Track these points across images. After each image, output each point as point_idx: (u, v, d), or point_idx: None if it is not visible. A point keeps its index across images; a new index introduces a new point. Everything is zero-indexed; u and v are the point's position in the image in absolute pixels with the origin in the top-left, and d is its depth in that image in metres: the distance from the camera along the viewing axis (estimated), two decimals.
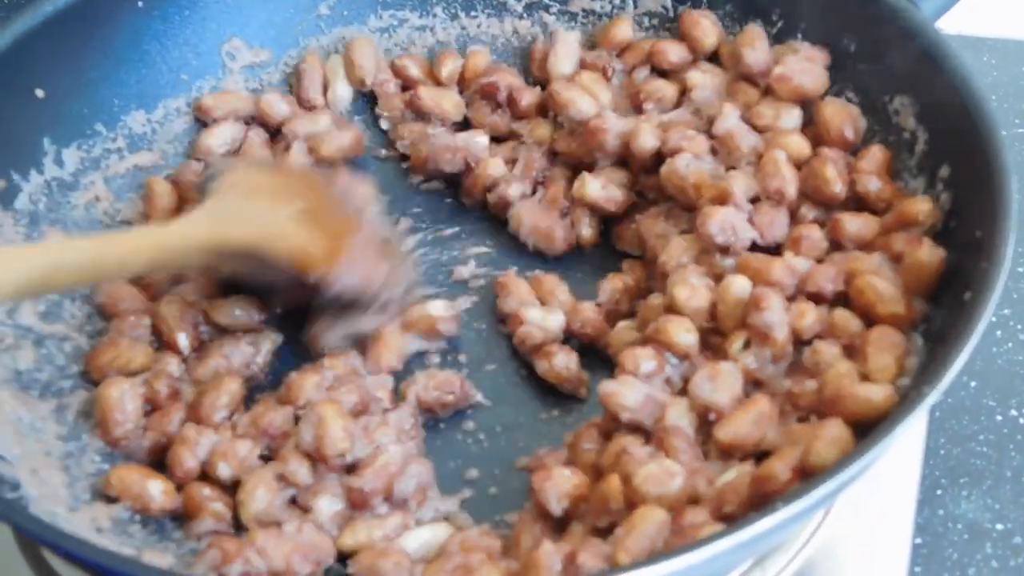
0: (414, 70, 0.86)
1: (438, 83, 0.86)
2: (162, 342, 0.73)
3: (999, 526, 0.72)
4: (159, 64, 0.83)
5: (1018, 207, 0.63)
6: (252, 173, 0.76)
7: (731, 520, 0.58)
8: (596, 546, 0.59)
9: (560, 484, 0.63)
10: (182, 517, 0.66)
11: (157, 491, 0.65)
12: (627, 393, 0.65)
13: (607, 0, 0.86)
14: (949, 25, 0.77)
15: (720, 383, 0.64)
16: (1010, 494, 0.73)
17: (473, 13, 0.88)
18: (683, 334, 0.67)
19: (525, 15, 0.88)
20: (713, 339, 0.68)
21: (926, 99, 0.72)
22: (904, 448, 0.74)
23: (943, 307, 0.65)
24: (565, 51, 0.84)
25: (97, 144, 0.80)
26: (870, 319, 0.66)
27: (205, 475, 0.67)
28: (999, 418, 0.77)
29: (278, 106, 0.84)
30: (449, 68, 0.86)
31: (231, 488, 0.66)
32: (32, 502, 0.62)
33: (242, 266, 0.71)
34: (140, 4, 0.81)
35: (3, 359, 0.69)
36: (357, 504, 0.65)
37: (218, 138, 0.83)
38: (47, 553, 0.67)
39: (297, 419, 0.68)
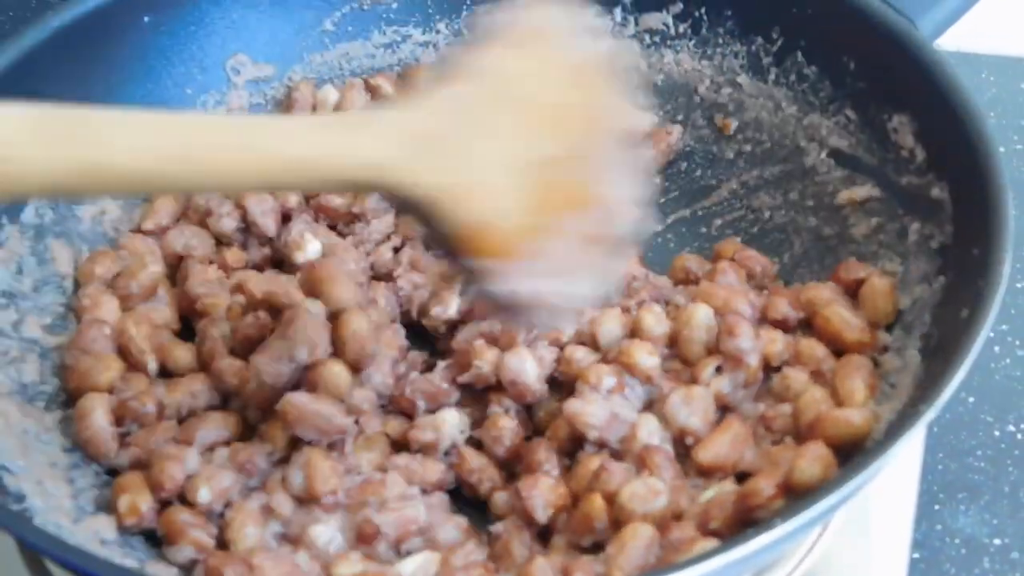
0: (387, 87, 0.86)
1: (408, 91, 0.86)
2: (128, 362, 0.71)
3: (996, 541, 0.72)
4: (164, 79, 0.83)
5: (1016, 224, 0.63)
6: (522, 63, 0.52)
7: (718, 536, 0.59)
8: (588, 564, 0.60)
9: (545, 492, 0.64)
10: (160, 540, 0.65)
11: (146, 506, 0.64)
12: (593, 411, 0.66)
13: (608, 18, 0.86)
14: (947, 42, 0.78)
15: (695, 407, 0.66)
16: (1008, 509, 0.73)
17: None
18: (646, 357, 0.68)
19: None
20: (672, 364, 0.70)
21: (924, 117, 0.73)
22: (902, 463, 0.74)
23: (941, 323, 0.65)
24: None
25: None
26: (836, 346, 0.68)
27: (182, 498, 0.65)
28: (997, 433, 0.77)
29: None
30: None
31: (211, 516, 0.65)
32: (37, 514, 0.62)
33: (403, 209, 0.56)
34: (146, 19, 0.82)
35: (8, 371, 0.69)
36: (365, 539, 0.63)
37: None
38: (51, 565, 0.67)
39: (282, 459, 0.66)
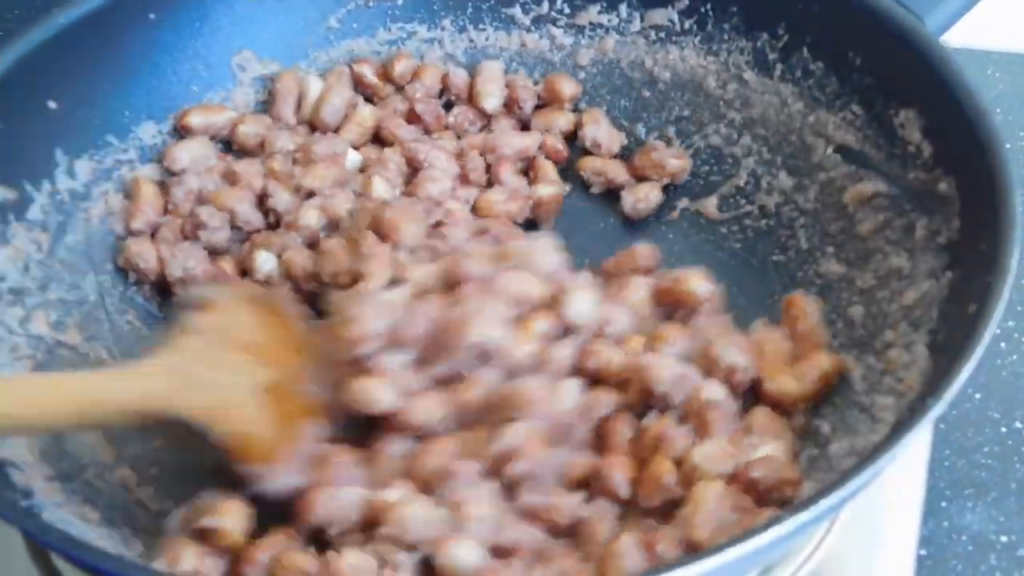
0: (370, 76, 0.87)
1: (391, 82, 0.86)
2: None
3: (1004, 538, 0.72)
4: (170, 76, 0.84)
5: (1023, 220, 0.64)
6: (231, 318, 0.68)
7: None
8: (667, 531, 0.61)
9: (623, 468, 0.65)
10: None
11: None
12: (663, 365, 0.67)
13: (614, 14, 0.87)
14: (954, 38, 0.78)
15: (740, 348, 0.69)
16: (1015, 506, 0.73)
17: (481, 26, 0.89)
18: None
19: (533, 28, 0.89)
20: None
21: (931, 112, 0.72)
22: (909, 460, 0.74)
23: (949, 319, 0.65)
24: (491, 80, 0.86)
25: (108, 155, 0.81)
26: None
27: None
28: (1003, 430, 0.77)
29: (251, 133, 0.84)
30: (402, 67, 0.87)
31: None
32: (45, 510, 0.62)
33: (176, 432, 0.64)
34: (152, 17, 0.82)
35: (16, 368, 0.70)
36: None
37: (187, 152, 0.82)
38: (58, 561, 0.68)
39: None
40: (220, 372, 0.65)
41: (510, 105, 0.86)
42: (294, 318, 0.70)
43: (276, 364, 0.67)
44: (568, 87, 0.86)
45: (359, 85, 0.87)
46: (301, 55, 0.88)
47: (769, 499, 0.63)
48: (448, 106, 0.87)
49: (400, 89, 0.87)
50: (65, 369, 0.72)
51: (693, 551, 0.60)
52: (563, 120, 0.86)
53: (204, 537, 0.63)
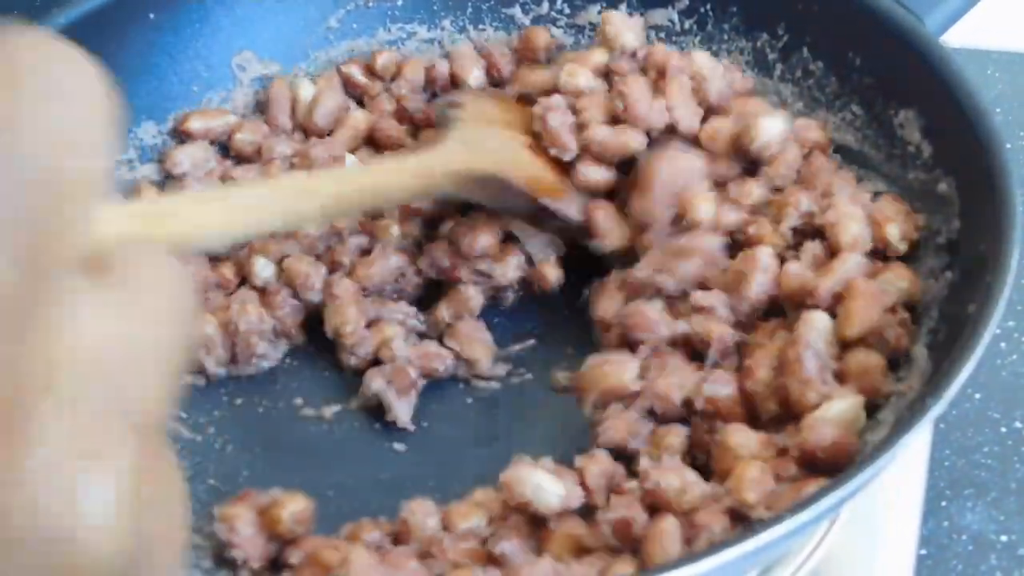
0: (358, 75, 0.87)
1: (374, 76, 0.87)
2: None
3: (1004, 538, 0.72)
4: (170, 76, 0.84)
5: (1023, 220, 0.63)
6: (483, 104, 0.80)
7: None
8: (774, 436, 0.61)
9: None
10: None
11: None
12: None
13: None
14: (954, 38, 0.78)
15: None
16: (1015, 506, 0.73)
17: (481, 26, 0.89)
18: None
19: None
20: None
21: (931, 112, 0.72)
22: (909, 459, 0.74)
23: (948, 319, 0.65)
24: (467, 58, 0.86)
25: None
26: None
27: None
28: (1003, 430, 0.77)
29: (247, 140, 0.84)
30: (384, 60, 0.87)
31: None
32: None
33: (486, 193, 0.74)
34: (151, 17, 0.82)
35: None
36: None
37: (187, 155, 0.82)
38: None
39: None
40: (494, 139, 0.76)
41: (490, 71, 0.86)
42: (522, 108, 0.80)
43: (526, 131, 0.77)
44: (542, 38, 0.86)
45: (349, 86, 0.87)
46: (301, 56, 0.88)
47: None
48: (435, 96, 0.87)
49: (388, 87, 0.87)
50: None
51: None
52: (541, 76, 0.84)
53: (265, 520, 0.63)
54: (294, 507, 0.63)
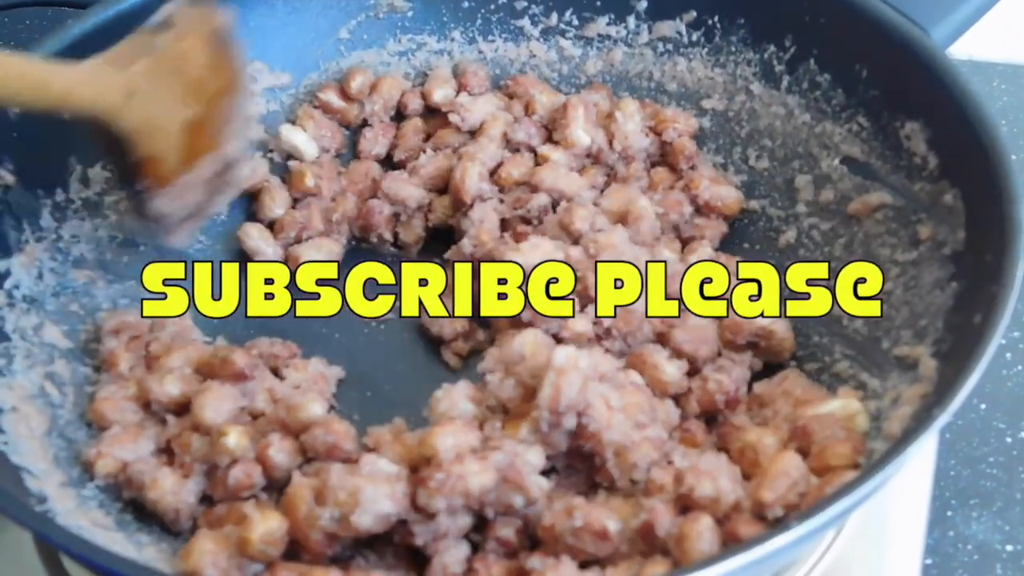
0: (335, 100, 0.87)
1: (348, 98, 0.87)
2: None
3: (1009, 547, 0.72)
4: None
5: None
6: (187, 46, 0.71)
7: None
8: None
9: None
10: None
11: None
12: None
13: (622, 26, 0.87)
14: (959, 50, 0.78)
15: None
16: (1020, 516, 0.74)
17: (491, 37, 0.89)
18: None
19: (542, 39, 0.89)
20: None
21: (937, 124, 0.73)
22: (915, 469, 0.74)
23: (954, 329, 0.65)
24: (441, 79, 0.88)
25: None
26: None
27: None
28: (1009, 440, 0.77)
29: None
30: (358, 82, 0.87)
31: None
32: (59, 515, 0.62)
33: (101, 138, 0.69)
34: None
35: (29, 375, 0.70)
36: None
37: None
38: (69, 566, 0.68)
39: None
40: (162, 96, 0.69)
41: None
42: (238, 57, 0.74)
43: (207, 103, 0.72)
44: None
45: (327, 112, 0.87)
46: (312, 67, 0.88)
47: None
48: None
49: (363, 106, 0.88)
50: (78, 383, 0.73)
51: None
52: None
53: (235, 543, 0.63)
54: (264, 528, 0.62)
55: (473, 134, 0.85)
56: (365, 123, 0.88)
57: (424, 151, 0.85)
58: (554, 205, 0.79)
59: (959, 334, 0.64)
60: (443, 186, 0.83)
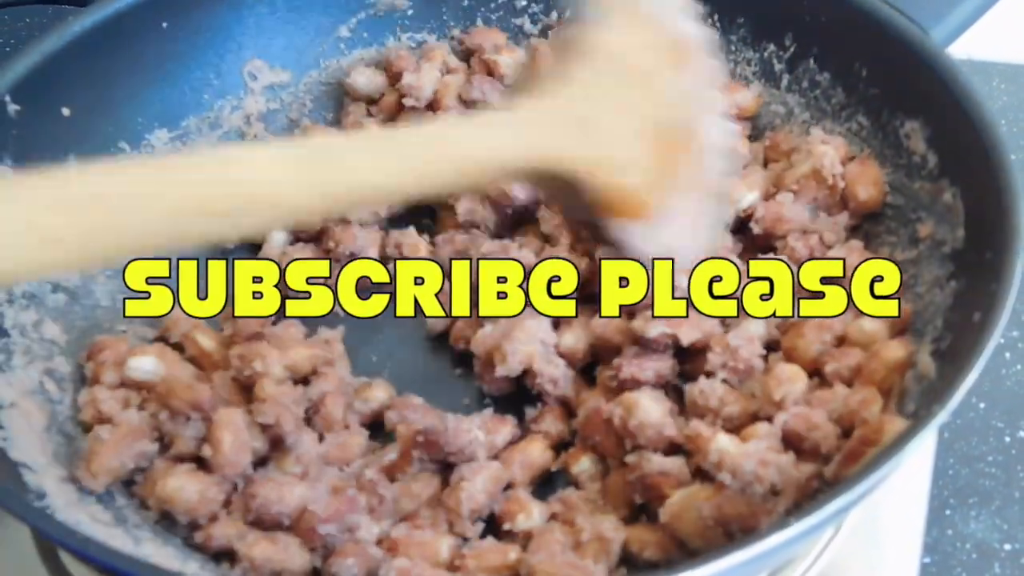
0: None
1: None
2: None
3: (1007, 546, 0.72)
4: (182, 84, 0.84)
5: None
6: (632, 40, 0.56)
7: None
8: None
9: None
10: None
11: None
12: None
13: None
14: (959, 50, 0.78)
15: None
16: (1018, 515, 0.74)
17: None
18: None
19: (541, 38, 0.89)
20: None
21: (936, 123, 0.73)
22: (913, 468, 0.74)
23: (952, 328, 0.66)
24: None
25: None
26: None
27: None
28: (1007, 439, 0.77)
29: None
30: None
31: None
32: (58, 511, 0.62)
33: (542, 187, 0.59)
34: (164, 26, 0.82)
35: (29, 371, 0.70)
36: None
37: None
38: (68, 562, 0.68)
39: None
40: (608, 111, 0.55)
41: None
42: (700, 42, 0.59)
43: (667, 101, 0.57)
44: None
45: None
46: (312, 64, 0.88)
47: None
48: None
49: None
50: (77, 379, 0.72)
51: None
52: None
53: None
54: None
55: (432, 107, 0.84)
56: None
57: None
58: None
59: (958, 332, 0.64)
60: None
